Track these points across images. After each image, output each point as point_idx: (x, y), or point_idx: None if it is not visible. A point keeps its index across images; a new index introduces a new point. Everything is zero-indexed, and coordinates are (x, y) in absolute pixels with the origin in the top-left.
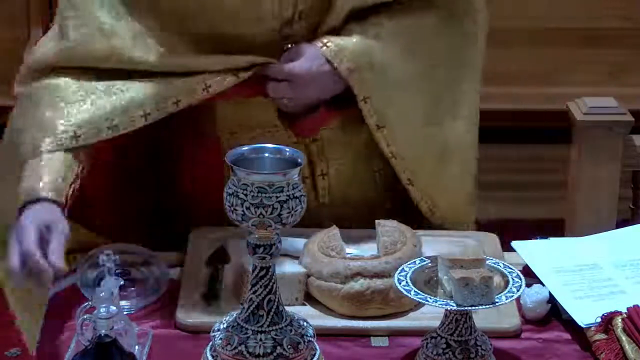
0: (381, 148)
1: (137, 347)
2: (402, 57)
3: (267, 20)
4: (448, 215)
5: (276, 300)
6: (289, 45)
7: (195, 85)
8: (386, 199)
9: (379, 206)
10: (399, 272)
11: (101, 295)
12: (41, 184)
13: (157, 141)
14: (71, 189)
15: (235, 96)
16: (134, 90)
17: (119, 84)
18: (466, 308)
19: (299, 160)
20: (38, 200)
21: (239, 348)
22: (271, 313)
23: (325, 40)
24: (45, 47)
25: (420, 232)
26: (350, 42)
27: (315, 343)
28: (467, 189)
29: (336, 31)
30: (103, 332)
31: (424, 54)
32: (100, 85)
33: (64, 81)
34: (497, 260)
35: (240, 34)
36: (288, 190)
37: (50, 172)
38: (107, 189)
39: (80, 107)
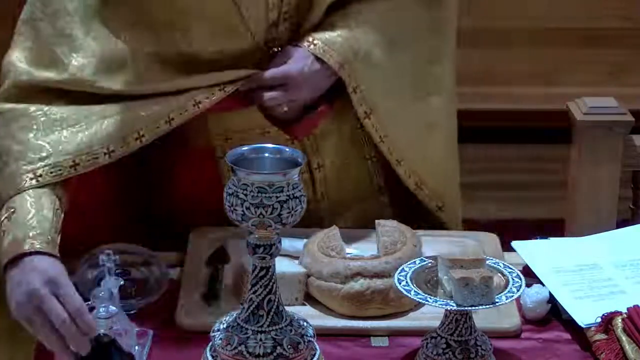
0: (371, 134)
1: (137, 347)
2: (385, 40)
3: (254, 25)
4: (435, 190)
5: (276, 300)
6: (275, 49)
7: (185, 102)
8: (382, 192)
9: (375, 198)
10: (399, 272)
11: (101, 295)
12: (34, 233)
13: (150, 151)
14: (59, 238)
15: (222, 110)
16: (126, 113)
17: (109, 108)
18: (466, 308)
19: (299, 160)
20: (36, 252)
21: (239, 348)
22: (271, 313)
23: (310, 39)
24: (21, 64)
25: (420, 232)
26: (336, 36)
27: (315, 343)
28: (451, 160)
29: (317, 26)
30: (102, 331)
31: (404, 32)
32: (94, 109)
33: (57, 106)
34: (497, 260)
35: (228, 41)
36: (288, 190)
37: (40, 225)
38: (106, 189)
39: (78, 133)
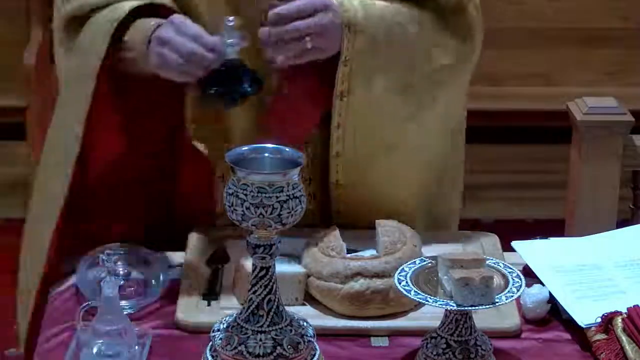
0: (332, 116)
1: (137, 347)
2: (396, 42)
3: None
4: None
5: (276, 300)
6: None
7: None
8: None
9: None
10: (399, 272)
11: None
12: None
13: (155, 148)
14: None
15: None
16: None
17: None
18: (466, 308)
19: (299, 160)
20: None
21: (239, 348)
22: (271, 313)
23: None
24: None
25: (420, 232)
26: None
27: (315, 343)
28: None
29: None
30: (232, 56)
31: (424, 47)
32: None
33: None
34: (497, 260)
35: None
36: (288, 190)
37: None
38: (117, 185)
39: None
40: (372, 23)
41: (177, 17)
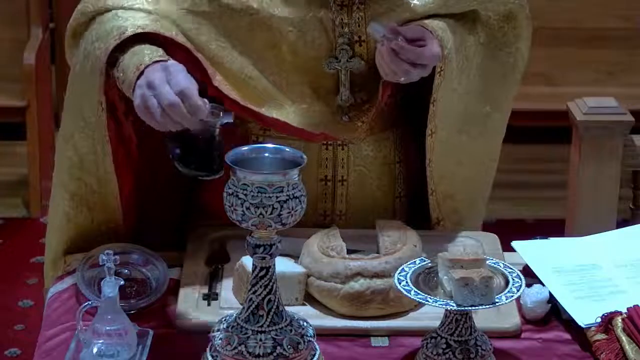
0: (427, 153)
1: (137, 347)
2: (465, 71)
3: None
4: (450, 227)
5: (276, 300)
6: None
7: None
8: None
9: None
10: (399, 272)
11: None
12: (148, 52)
13: None
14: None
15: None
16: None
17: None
18: (466, 308)
19: (299, 160)
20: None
21: (239, 348)
22: (271, 313)
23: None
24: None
25: (420, 232)
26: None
27: (315, 343)
28: (476, 206)
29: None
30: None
31: (478, 70)
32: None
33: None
34: (497, 260)
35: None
36: (288, 190)
37: (146, 48)
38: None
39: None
40: (455, 72)
41: (174, 65)
